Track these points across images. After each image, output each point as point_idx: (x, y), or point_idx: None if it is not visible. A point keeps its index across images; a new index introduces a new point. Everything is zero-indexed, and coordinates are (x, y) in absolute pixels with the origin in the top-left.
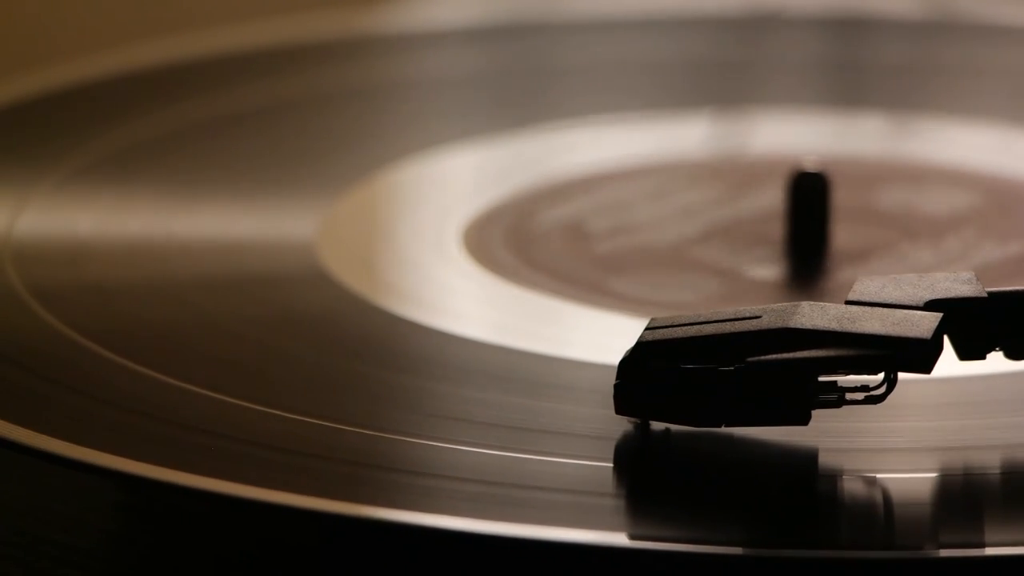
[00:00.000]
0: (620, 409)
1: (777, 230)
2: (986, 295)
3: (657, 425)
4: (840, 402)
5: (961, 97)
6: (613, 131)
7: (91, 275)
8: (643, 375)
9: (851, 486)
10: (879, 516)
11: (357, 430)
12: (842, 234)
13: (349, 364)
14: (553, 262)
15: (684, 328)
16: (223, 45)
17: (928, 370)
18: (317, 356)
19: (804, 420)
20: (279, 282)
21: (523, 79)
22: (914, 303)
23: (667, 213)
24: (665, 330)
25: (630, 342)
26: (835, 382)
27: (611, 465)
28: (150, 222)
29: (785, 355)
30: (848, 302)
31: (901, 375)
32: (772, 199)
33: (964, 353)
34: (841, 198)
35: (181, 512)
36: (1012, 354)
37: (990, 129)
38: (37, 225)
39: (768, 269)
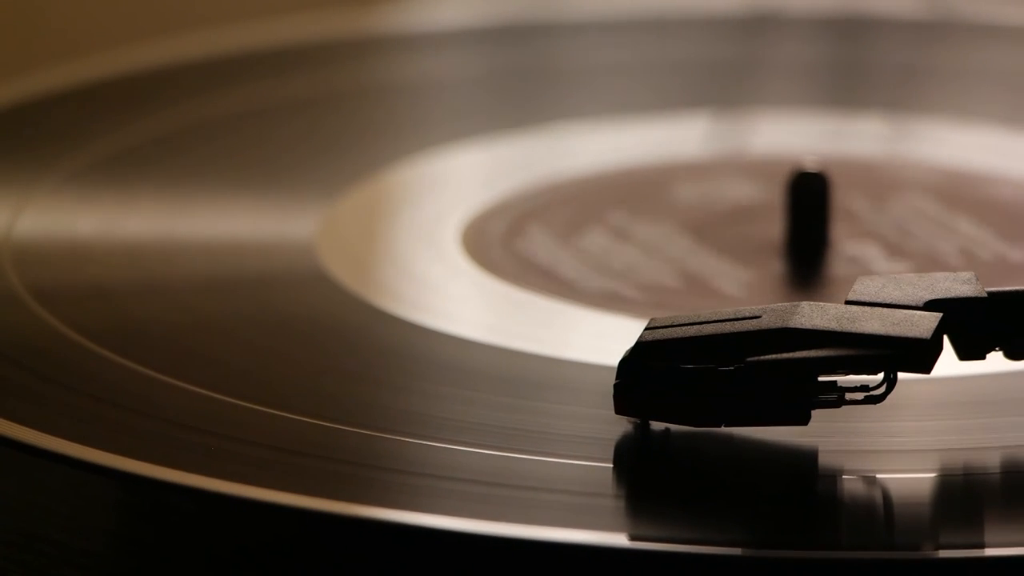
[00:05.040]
0: (620, 409)
1: (777, 230)
2: (986, 295)
3: (657, 425)
4: (840, 402)
5: (961, 97)
6: (613, 131)
7: (91, 275)
8: (643, 375)
9: (851, 486)
10: (879, 516)
11: (356, 430)
12: (842, 234)
13: (348, 364)
14: (552, 263)
15: (684, 328)
16: (223, 45)
17: (928, 370)
18: (316, 356)
19: (804, 420)
20: (278, 282)
21: (523, 79)
22: (914, 303)
23: (666, 212)
24: (665, 330)
25: (630, 342)
26: (835, 382)
27: (611, 465)
28: (150, 222)
29: (785, 355)
30: (848, 302)
31: (901, 375)
32: (772, 199)
33: (964, 353)
34: (841, 198)
35: (181, 512)
36: (1012, 354)
37: (989, 129)
38: (37, 225)
39: (768, 269)
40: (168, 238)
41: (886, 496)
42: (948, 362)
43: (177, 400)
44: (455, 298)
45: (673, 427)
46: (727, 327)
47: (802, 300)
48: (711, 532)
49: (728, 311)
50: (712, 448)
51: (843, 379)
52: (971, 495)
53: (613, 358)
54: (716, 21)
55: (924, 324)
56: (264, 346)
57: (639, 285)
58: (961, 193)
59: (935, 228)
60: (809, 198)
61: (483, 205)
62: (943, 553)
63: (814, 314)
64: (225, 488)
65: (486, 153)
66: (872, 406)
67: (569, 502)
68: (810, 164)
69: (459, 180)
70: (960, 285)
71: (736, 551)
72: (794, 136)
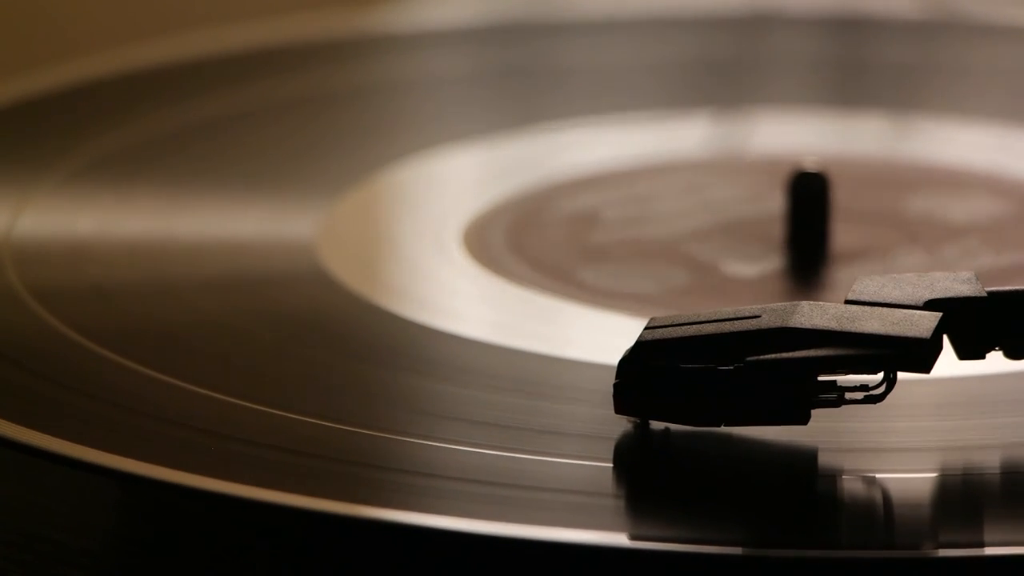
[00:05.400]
0: (620, 409)
1: (777, 230)
2: (986, 294)
3: (656, 425)
4: (839, 402)
5: (961, 97)
6: (613, 131)
7: (91, 275)
8: (642, 375)
9: (850, 486)
10: (878, 516)
11: (357, 430)
12: (842, 234)
13: (349, 364)
14: (553, 262)
15: (683, 328)
16: (223, 45)
17: (927, 369)
18: (317, 356)
19: (803, 420)
20: (279, 282)
21: (523, 79)
22: (914, 302)
23: (666, 213)
24: (664, 330)
25: (630, 342)
26: (834, 381)
27: (611, 465)
28: (150, 222)
29: (784, 355)
30: (848, 301)
31: (900, 374)
32: (772, 199)
33: (963, 353)
34: (841, 198)
35: (181, 512)
36: (1011, 354)
37: (989, 129)
38: (37, 225)
39: (768, 269)
40: (168, 238)
41: (886, 496)
42: (948, 362)
43: (177, 400)
44: (456, 297)
45: (673, 427)
46: (727, 327)
47: (802, 300)
48: (711, 532)
49: (728, 311)
50: (712, 448)
51: (843, 379)
52: (970, 495)
53: (613, 357)
54: (716, 21)
55: (924, 324)
56: (265, 346)
57: (639, 285)
58: (961, 192)
59: (935, 227)
60: (809, 198)
61: (484, 204)
62: (943, 552)
63: (814, 313)
64: (225, 488)
65: (486, 153)
66: (872, 406)
67: (569, 502)
68: (810, 164)
69: (459, 180)
70: (960, 284)
71: (736, 551)
72: (794, 136)
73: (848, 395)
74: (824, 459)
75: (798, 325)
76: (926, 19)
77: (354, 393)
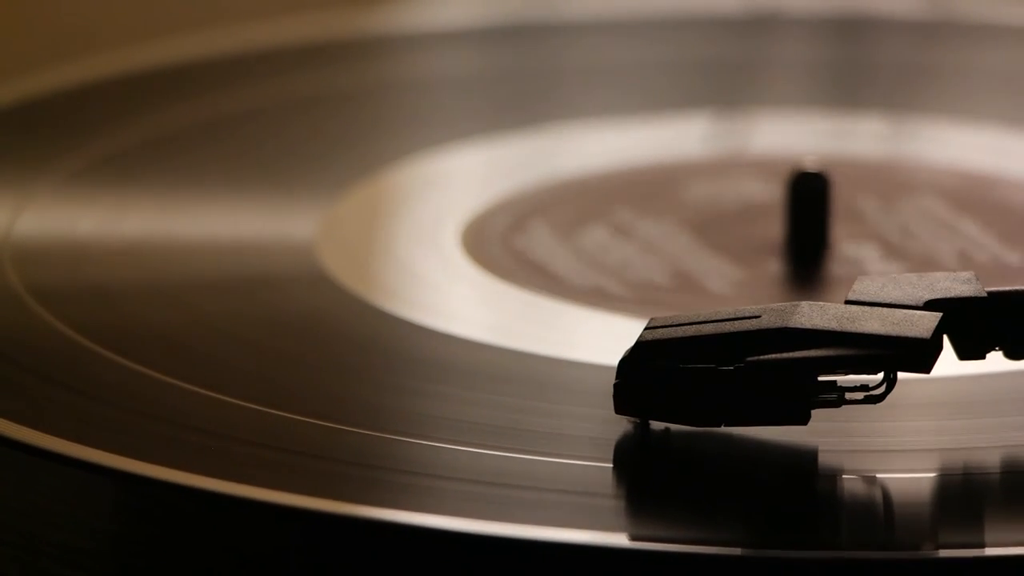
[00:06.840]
0: (620, 409)
1: (777, 230)
2: (986, 295)
3: (657, 425)
4: (840, 402)
5: (961, 97)
6: (613, 131)
7: (91, 275)
8: (643, 375)
9: (851, 486)
10: (879, 516)
11: (356, 430)
12: (842, 234)
13: (348, 365)
14: (553, 263)
15: (684, 328)
16: (223, 45)
17: (928, 370)
18: (316, 356)
19: (804, 420)
20: (279, 283)
21: (523, 79)
22: (914, 303)
23: (666, 214)
24: (665, 330)
25: (630, 342)
26: (835, 382)
27: (611, 465)
28: (150, 222)
29: (784, 355)
30: (848, 302)
31: (901, 375)
32: (772, 199)
33: (963, 353)
34: (841, 198)
35: (181, 512)
36: (1011, 354)
37: (989, 129)
38: (37, 225)
39: (767, 269)
40: (168, 238)
41: (886, 496)
42: (948, 362)
43: (177, 400)
44: (455, 298)
45: (673, 427)
46: (727, 327)
47: (802, 300)
48: (711, 532)
49: (728, 311)
50: (712, 448)
51: (843, 379)
52: (971, 495)
53: (613, 358)
54: (716, 21)
55: (924, 324)
56: (264, 346)
57: (638, 285)
58: (961, 193)
59: (935, 228)
60: (809, 198)
61: (483, 205)
62: (943, 553)
63: (814, 314)
64: (225, 488)
65: (486, 153)
66: (872, 406)
67: (569, 502)
68: (810, 164)
69: (459, 180)
70: (960, 285)
71: (736, 551)
72: (794, 136)
73: (848, 395)
74: (824, 459)
75: (798, 325)
76: (926, 19)
77: (353, 393)
